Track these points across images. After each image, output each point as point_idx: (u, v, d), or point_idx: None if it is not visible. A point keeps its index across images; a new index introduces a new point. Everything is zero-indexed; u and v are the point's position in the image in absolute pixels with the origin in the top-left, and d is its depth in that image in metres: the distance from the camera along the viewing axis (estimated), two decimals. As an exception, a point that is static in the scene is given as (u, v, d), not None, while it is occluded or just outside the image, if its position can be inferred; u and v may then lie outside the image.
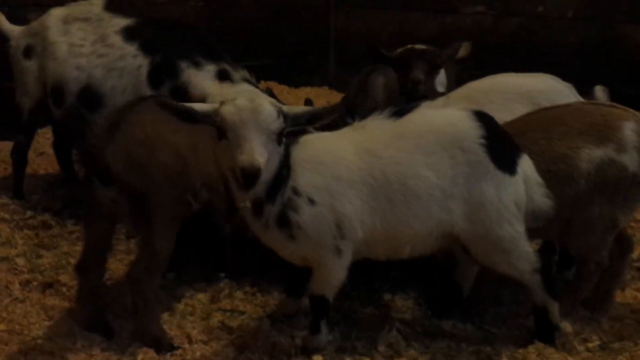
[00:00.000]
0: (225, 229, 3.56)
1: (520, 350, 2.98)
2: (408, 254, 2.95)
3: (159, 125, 2.98)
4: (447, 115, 2.93)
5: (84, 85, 4.05)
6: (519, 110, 3.37)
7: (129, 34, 4.09)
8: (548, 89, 3.56)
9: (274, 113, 2.61)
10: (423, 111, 2.93)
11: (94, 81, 4.04)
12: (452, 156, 2.82)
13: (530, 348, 2.98)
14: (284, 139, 2.68)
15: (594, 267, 3.21)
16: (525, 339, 3.08)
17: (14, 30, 4.39)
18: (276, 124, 2.61)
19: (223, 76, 3.89)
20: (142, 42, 4.05)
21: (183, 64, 3.92)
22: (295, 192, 2.76)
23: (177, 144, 2.99)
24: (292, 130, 2.73)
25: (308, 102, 3.39)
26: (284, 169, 2.73)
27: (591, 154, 3.07)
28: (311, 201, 2.77)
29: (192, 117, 2.68)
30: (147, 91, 3.91)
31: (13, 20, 4.51)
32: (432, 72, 3.80)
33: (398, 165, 2.81)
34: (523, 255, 2.92)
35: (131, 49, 4.03)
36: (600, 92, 3.65)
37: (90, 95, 4.01)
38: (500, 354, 2.98)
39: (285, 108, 2.71)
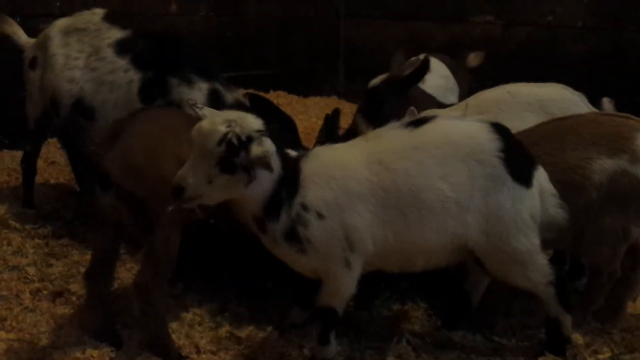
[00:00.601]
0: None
1: (531, 362, 2.97)
2: (422, 267, 2.93)
3: (161, 134, 3.00)
4: (465, 127, 2.90)
5: (76, 98, 4.03)
6: (531, 119, 3.37)
7: (121, 47, 4.04)
8: (560, 98, 3.56)
9: (216, 141, 2.56)
10: (440, 122, 2.90)
11: (86, 95, 4.01)
12: (469, 169, 2.79)
13: (540, 359, 2.95)
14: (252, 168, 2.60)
15: (606, 278, 3.19)
16: (535, 350, 3.05)
17: (28, 42, 4.45)
18: (216, 151, 2.56)
19: (215, 96, 3.84)
20: (134, 56, 3.99)
21: (174, 81, 3.88)
22: (304, 207, 2.76)
23: (180, 154, 3.00)
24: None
25: (333, 115, 3.38)
26: (288, 187, 2.74)
27: (603, 165, 3.05)
28: (320, 216, 2.76)
29: None
30: (139, 107, 3.82)
31: (25, 30, 4.56)
32: (399, 96, 3.76)
33: (412, 177, 2.78)
34: (538, 267, 2.89)
35: (122, 63, 3.99)
36: (607, 103, 3.63)
37: (82, 109, 3.97)
38: (510, 365, 2.96)
39: (254, 136, 2.61)
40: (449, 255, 2.90)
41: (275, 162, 2.69)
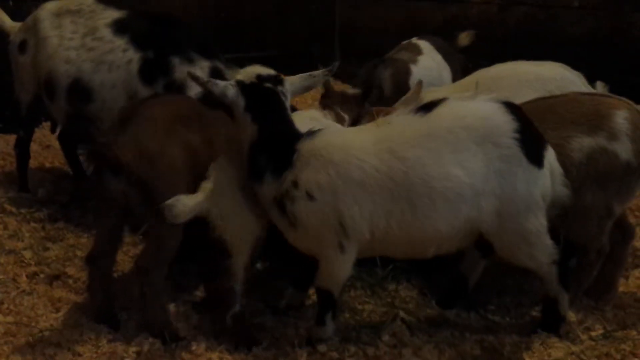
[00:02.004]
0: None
1: (524, 340, 2.99)
2: (432, 254, 2.89)
3: (173, 118, 3.01)
4: (479, 109, 2.82)
5: (73, 79, 4.00)
6: (531, 97, 3.36)
7: (119, 27, 4.01)
8: (560, 77, 3.57)
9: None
10: (452, 104, 2.83)
11: (83, 75, 3.97)
12: (485, 152, 2.74)
13: (534, 337, 2.98)
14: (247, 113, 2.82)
15: (595, 255, 3.20)
16: (528, 328, 3.08)
17: (14, 26, 4.40)
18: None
19: (216, 74, 3.83)
20: (133, 35, 3.97)
21: (176, 60, 3.86)
22: (295, 185, 2.77)
23: (189, 139, 3.01)
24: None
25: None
26: (273, 157, 2.79)
27: (582, 143, 3.06)
28: (310, 197, 2.75)
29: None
30: (139, 87, 3.85)
31: (16, 14, 4.53)
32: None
33: (425, 166, 2.72)
34: (545, 247, 2.89)
35: (121, 42, 3.96)
36: (601, 87, 3.63)
37: (80, 90, 3.97)
38: (503, 343, 2.98)
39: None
40: (461, 241, 2.87)
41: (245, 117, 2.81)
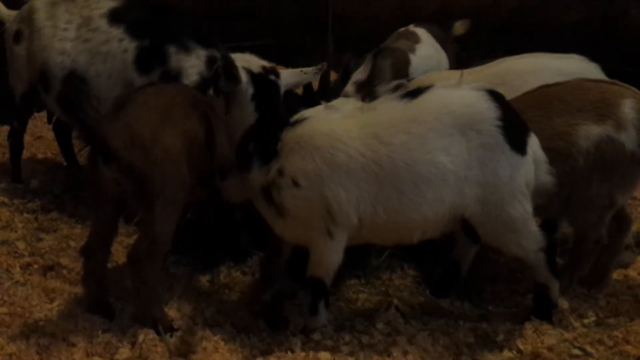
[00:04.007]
0: (236, 212, 3.55)
1: (517, 327, 3.01)
2: (418, 239, 2.92)
3: (168, 109, 2.98)
4: (463, 96, 2.85)
5: (69, 70, 3.96)
6: None
7: (114, 16, 3.96)
8: (581, 71, 3.51)
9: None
10: (437, 92, 2.86)
11: (79, 66, 3.94)
12: (467, 139, 2.76)
13: (527, 325, 3.00)
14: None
15: (592, 244, 3.21)
16: (521, 316, 3.10)
17: (10, 15, 4.36)
18: None
19: (213, 63, 3.74)
20: (128, 25, 3.92)
21: (172, 49, 3.81)
22: (280, 173, 2.77)
23: (187, 129, 2.99)
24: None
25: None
26: (260, 146, 2.79)
27: (590, 131, 3.05)
28: (295, 184, 2.76)
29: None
30: (134, 76, 3.81)
31: (13, 2, 4.48)
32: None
33: (410, 151, 2.75)
34: (531, 234, 2.91)
35: (117, 32, 3.91)
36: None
37: (75, 81, 3.93)
38: (497, 330, 3.00)
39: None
40: (445, 226, 2.89)
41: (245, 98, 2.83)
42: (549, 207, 3.17)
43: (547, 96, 3.17)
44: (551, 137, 3.07)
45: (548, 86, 3.28)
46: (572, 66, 3.57)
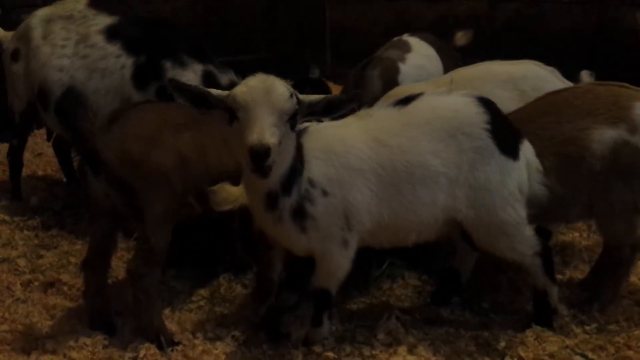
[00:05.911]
0: (234, 225, 3.56)
1: (518, 335, 3.00)
2: (413, 242, 2.95)
3: (161, 126, 2.99)
4: (452, 102, 2.92)
5: (67, 87, 3.98)
6: (504, 96, 3.38)
7: (111, 33, 4.00)
8: (532, 76, 3.55)
9: (287, 93, 2.52)
10: (427, 98, 2.93)
11: (77, 83, 3.96)
12: (457, 143, 2.82)
13: (528, 332, 2.99)
14: (296, 128, 2.60)
15: (629, 250, 3.12)
16: (523, 323, 3.09)
17: (6, 35, 4.39)
18: (288, 104, 2.50)
19: (209, 78, 3.82)
20: (125, 41, 3.96)
21: (168, 64, 3.84)
22: (312, 183, 2.74)
23: (180, 146, 3.00)
24: (307, 119, 2.68)
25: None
26: (298, 159, 2.71)
27: (603, 135, 2.99)
28: (324, 192, 2.76)
29: (206, 101, 2.62)
30: (132, 92, 3.84)
31: (7, 22, 4.52)
32: None
33: (406, 153, 2.80)
34: (525, 239, 2.92)
35: (114, 49, 3.95)
36: (586, 76, 3.61)
37: (74, 98, 3.95)
38: (498, 338, 3.00)
39: (300, 95, 2.62)
40: (439, 229, 2.92)
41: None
42: (567, 215, 3.15)
43: (556, 102, 3.15)
44: (562, 142, 3.03)
45: (556, 92, 3.25)
46: (524, 71, 3.59)
